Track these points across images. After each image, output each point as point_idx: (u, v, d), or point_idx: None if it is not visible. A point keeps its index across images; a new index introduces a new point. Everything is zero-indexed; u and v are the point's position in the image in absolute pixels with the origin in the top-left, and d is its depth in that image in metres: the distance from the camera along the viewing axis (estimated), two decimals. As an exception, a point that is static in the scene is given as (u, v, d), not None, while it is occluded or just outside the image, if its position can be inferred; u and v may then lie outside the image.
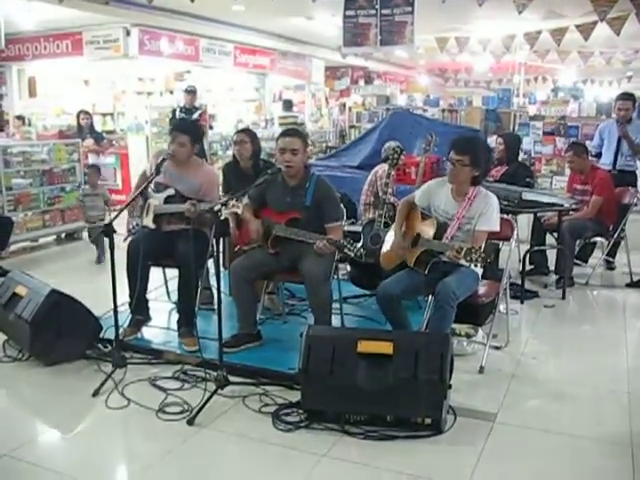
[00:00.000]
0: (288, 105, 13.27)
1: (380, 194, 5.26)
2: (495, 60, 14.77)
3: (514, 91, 13.70)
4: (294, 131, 4.48)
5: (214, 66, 13.84)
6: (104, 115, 13.32)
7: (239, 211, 3.98)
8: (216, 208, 3.65)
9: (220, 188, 5.05)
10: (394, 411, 3.28)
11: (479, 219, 3.94)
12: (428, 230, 4.02)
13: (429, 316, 4.16)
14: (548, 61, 15.44)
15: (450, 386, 3.29)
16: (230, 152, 6.28)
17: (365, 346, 3.29)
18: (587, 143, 7.38)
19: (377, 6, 6.99)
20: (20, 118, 11.39)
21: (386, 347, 3.25)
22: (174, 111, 9.76)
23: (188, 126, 4.91)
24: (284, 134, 4.36)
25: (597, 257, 6.51)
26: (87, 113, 9.72)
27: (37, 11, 9.57)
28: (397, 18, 6.93)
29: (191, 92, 9.80)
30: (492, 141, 7.91)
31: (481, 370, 4.06)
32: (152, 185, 4.50)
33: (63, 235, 8.26)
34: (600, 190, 6.03)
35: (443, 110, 10.69)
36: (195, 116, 9.52)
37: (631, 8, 7.52)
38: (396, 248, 4.18)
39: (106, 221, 3.79)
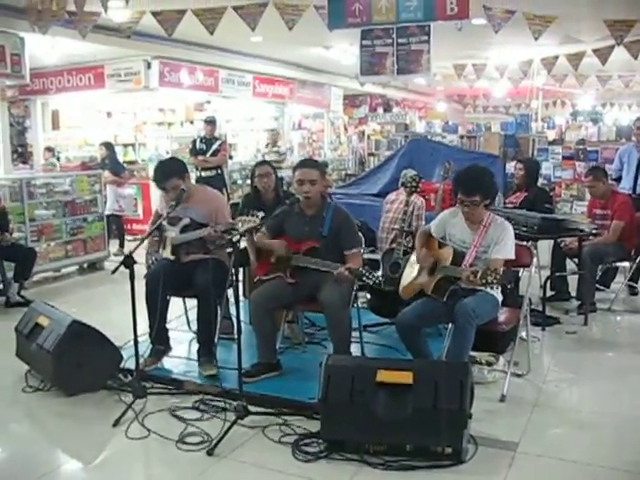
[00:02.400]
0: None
1: (399, 224, 5.26)
2: (513, 85, 14.77)
3: (532, 116, 13.69)
4: (312, 162, 4.54)
5: (234, 96, 13.98)
6: (125, 146, 13.47)
7: (256, 224, 4.02)
8: (235, 238, 3.68)
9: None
10: (414, 441, 3.25)
11: (494, 247, 3.95)
12: (446, 258, 4.02)
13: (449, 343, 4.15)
14: (566, 85, 15.41)
15: (470, 415, 3.27)
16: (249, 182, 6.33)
17: (384, 376, 3.28)
18: (607, 167, 7.37)
19: (393, 35, 7.04)
20: (50, 150, 11.57)
21: (405, 377, 3.24)
22: (194, 141, 9.85)
23: (170, 168, 4.67)
24: (301, 165, 4.42)
25: (619, 282, 6.44)
26: (104, 145, 9.85)
27: (60, 46, 9.77)
28: (413, 47, 6.97)
29: (211, 122, 9.89)
30: (511, 167, 7.92)
31: (502, 398, 4.02)
32: (165, 221, 4.54)
33: (85, 265, 8.35)
34: (621, 214, 5.99)
35: (462, 136, 10.71)
36: (215, 146, 9.60)
37: (648, 32, 7.52)
38: (414, 278, 4.19)
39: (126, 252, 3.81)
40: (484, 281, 3.61)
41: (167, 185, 4.53)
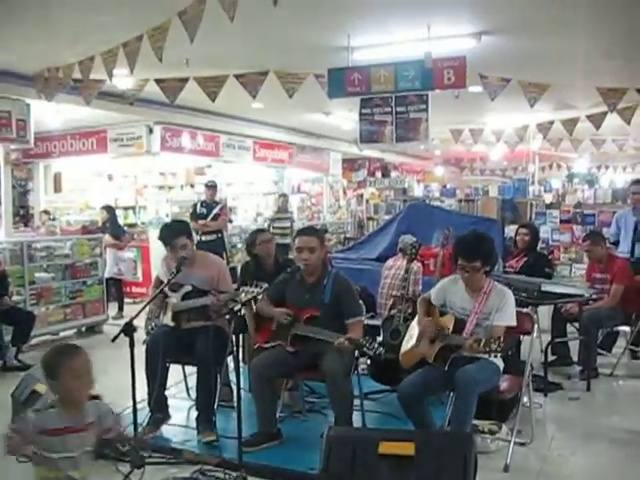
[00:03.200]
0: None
1: (400, 289, 5.27)
2: (509, 149, 15.00)
3: (529, 179, 13.85)
4: (311, 230, 4.58)
5: (234, 161, 14.17)
6: (126, 209, 13.60)
7: (256, 295, 4.03)
8: (236, 308, 3.69)
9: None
10: (418, 514, 3.18)
11: (495, 314, 3.95)
12: (447, 326, 4.01)
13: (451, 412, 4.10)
14: (562, 149, 15.64)
15: (474, 488, 3.21)
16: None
17: (386, 447, 3.22)
18: (604, 230, 7.44)
19: (392, 104, 7.21)
20: (47, 213, 11.66)
21: (408, 448, 3.19)
22: (195, 205, 9.94)
23: (180, 227, 4.82)
24: (301, 233, 4.47)
25: (621, 346, 6.41)
26: (105, 208, 9.93)
27: (65, 112, 9.96)
28: (412, 115, 7.13)
29: (212, 187, 10.00)
30: (509, 231, 7.98)
31: (506, 468, 3.95)
32: (167, 287, 4.54)
33: (84, 329, 8.31)
34: (620, 278, 6.01)
35: (460, 200, 10.82)
36: (216, 211, 9.68)
37: (639, 99, 7.69)
38: (414, 346, 4.17)
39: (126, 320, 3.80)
40: (488, 349, 3.60)
41: (177, 242, 4.55)
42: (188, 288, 4.55)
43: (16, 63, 8.08)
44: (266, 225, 11.74)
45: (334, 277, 4.39)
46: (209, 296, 4.43)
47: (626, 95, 7.47)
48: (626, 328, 6.22)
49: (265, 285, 4.24)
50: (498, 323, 3.92)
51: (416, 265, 5.48)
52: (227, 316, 4.22)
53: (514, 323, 4.00)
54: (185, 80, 7.42)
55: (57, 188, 13.36)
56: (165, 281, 4.47)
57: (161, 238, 4.71)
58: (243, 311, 4.17)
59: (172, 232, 4.68)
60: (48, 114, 10.05)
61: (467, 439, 3.32)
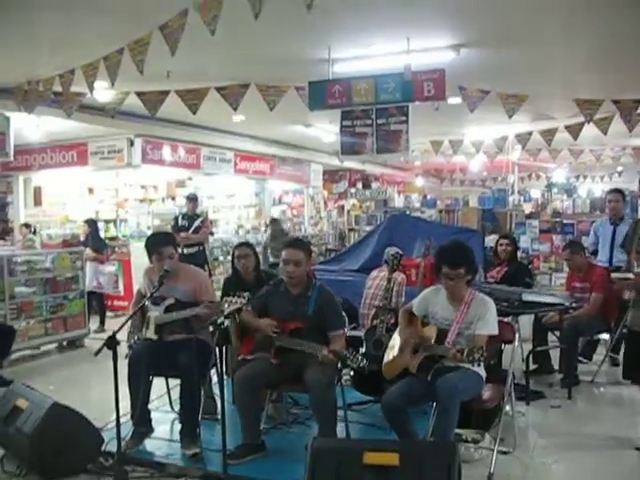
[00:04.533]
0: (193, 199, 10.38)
1: (381, 300, 5.30)
2: (489, 160, 15.15)
3: (509, 190, 13.99)
4: (298, 242, 4.59)
5: (215, 173, 14.17)
6: (107, 222, 13.54)
7: (242, 305, 4.03)
8: (219, 320, 3.69)
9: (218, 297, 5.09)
10: (402, 524, 3.19)
11: (477, 323, 3.98)
12: (429, 337, 4.04)
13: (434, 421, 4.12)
14: (540, 159, 15.83)
15: (458, 497, 3.23)
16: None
17: (371, 457, 3.23)
18: (583, 239, 7.53)
19: (373, 116, 7.26)
20: (28, 226, 11.38)
21: (392, 458, 3.21)
22: (176, 218, 9.91)
23: (167, 237, 4.88)
24: (288, 245, 4.48)
25: (601, 354, 6.48)
26: (87, 222, 9.88)
27: (45, 125, 9.92)
28: (392, 127, 7.18)
29: (193, 199, 9.99)
30: (489, 241, 8.04)
31: (490, 477, 3.98)
32: (149, 301, 4.52)
33: (65, 343, 8.24)
34: (599, 287, 6.08)
35: (440, 211, 10.89)
36: (197, 223, 9.65)
37: (615, 110, 7.81)
38: (397, 357, 4.19)
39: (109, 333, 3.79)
40: (471, 358, 3.63)
41: (165, 251, 4.56)
42: (171, 301, 4.54)
43: (-5, 76, 8.05)
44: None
45: (319, 289, 4.41)
46: (200, 306, 4.42)
47: (602, 106, 7.60)
48: (606, 336, 6.29)
49: (247, 294, 4.25)
50: (480, 332, 3.96)
51: (400, 276, 5.51)
52: (210, 328, 4.23)
53: (496, 332, 4.03)
54: (166, 93, 7.43)
55: (37, 201, 13.28)
56: (147, 294, 4.47)
57: (148, 247, 4.71)
58: (226, 323, 4.16)
59: (160, 241, 4.71)
60: (28, 127, 10.00)
61: (450, 448, 3.34)
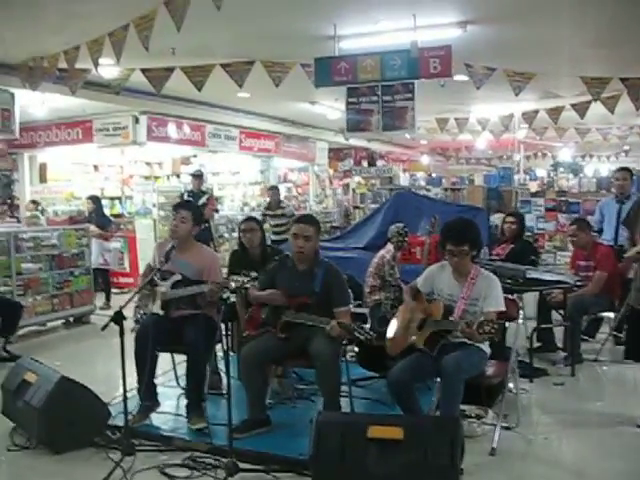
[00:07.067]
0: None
1: (386, 277, 5.33)
2: (495, 138, 15.08)
3: (515, 168, 13.93)
4: (309, 218, 4.60)
5: (220, 150, 14.14)
6: (112, 199, 13.57)
7: (248, 285, 4.05)
8: (225, 296, 3.71)
9: (225, 272, 5.12)
10: (406, 497, 3.24)
11: (485, 301, 3.99)
12: (435, 313, 4.05)
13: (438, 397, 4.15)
14: (547, 138, 15.74)
15: (462, 471, 3.26)
16: (236, 235, 6.42)
17: (375, 431, 3.27)
18: (589, 218, 7.52)
19: (379, 93, 7.23)
20: (35, 203, 11.42)
21: (396, 432, 3.24)
22: (182, 195, 9.93)
23: (191, 205, 5.02)
24: (298, 220, 4.50)
25: (605, 332, 6.49)
26: (90, 198, 9.88)
27: (50, 101, 9.91)
28: (398, 104, 7.16)
29: (198, 176, 9.99)
30: (494, 219, 8.04)
31: (492, 452, 4.01)
32: (158, 274, 4.55)
33: (71, 319, 8.30)
34: (603, 265, 6.08)
35: (446, 189, 10.87)
36: (202, 200, 9.66)
37: (623, 88, 7.76)
38: (402, 333, 4.21)
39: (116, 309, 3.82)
40: (481, 331, 3.63)
41: (182, 212, 4.69)
42: (177, 277, 4.56)
43: (0, 52, 8.01)
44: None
45: (326, 266, 4.42)
46: (206, 284, 4.44)
47: (610, 84, 7.55)
48: (610, 314, 6.31)
49: (254, 274, 4.26)
50: (489, 309, 3.96)
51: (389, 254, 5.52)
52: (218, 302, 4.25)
53: (504, 308, 4.04)
54: (171, 69, 7.41)
55: (42, 179, 13.28)
56: (156, 268, 4.49)
57: (179, 204, 4.89)
58: (233, 299, 4.18)
59: (184, 204, 5.00)
60: (33, 104, 9.98)
61: (454, 423, 3.38)
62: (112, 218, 10.79)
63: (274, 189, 11.15)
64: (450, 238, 4.06)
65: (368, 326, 4.98)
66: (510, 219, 6.79)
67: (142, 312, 4.67)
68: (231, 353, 5.16)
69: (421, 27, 6.73)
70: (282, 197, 11.84)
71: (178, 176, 14.69)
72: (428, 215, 6.23)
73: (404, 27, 6.82)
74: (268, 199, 11.09)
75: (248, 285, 4.09)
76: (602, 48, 7.93)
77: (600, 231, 7.15)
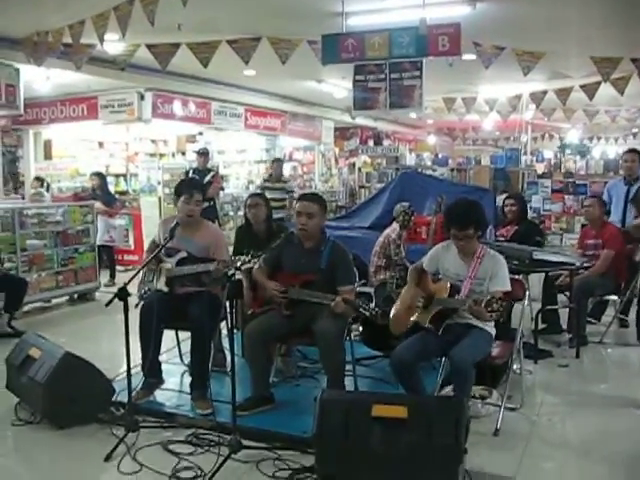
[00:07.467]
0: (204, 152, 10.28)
1: (392, 256, 5.30)
2: (502, 119, 14.97)
3: (522, 149, 13.85)
4: (313, 196, 4.56)
5: (226, 128, 14.09)
6: (117, 176, 13.55)
7: (252, 265, 4.03)
8: (230, 272, 3.69)
9: (231, 250, 5.10)
10: (410, 476, 3.23)
11: (491, 281, 3.96)
12: (441, 292, 4.03)
13: (443, 380, 4.15)
14: (554, 119, 15.65)
15: (466, 450, 3.25)
16: (241, 213, 6.40)
17: (379, 410, 3.26)
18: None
19: (386, 70, 7.17)
20: (39, 179, 11.21)
21: (400, 411, 3.23)
22: (187, 172, 9.88)
23: (199, 184, 4.99)
24: (302, 198, 4.48)
25: (610, 315, 6.48)
26: (95, 175, 9.84)
27: (55, 77, 9.85)
28: (406, 82, 7.09)
29: (203, 154, 9.92)
30: (501, 200, 7.99)
31: (496, 432, 4.01)
32: (163, 250, 4.53)
33: (76, 296, 8.31)
34: (611, 244, 6.05)
35: (452, 169, 10.81)
36: (208, 178, 9.61)
37: (633, 69, 7.68)
38: (406, 311, 4.19)
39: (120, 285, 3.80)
40: (490, 309, 3.60)
41: (197, 195, 4.62)
42: (183, 254, 4.54)
43: (4, 27, 7.95)
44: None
45: (332, 244, 4.40)
46: (213, 262, 4.41)
47: (620, 65, 7.47)
48: (615, 297, 6.28)
49: (260, 254, 4.24)
50: (496, 289, 3.91)
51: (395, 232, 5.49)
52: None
53: (509, 288, 4.00)
54: (177, 45, 7.35)
55: (47, 155, 13.25)
56: (161, 245, 4.47)
57: (185, 188, 4.71)
58: (238, 276, 4.16)
59: (195, 185, 4.91)
60: (38, 80, 9.93)
61: (459, 403, 3.36)
62: (117, 195, 10.76)
63: (278, 161, 10.69)
64: (453, 222, 4.02)
65: (373, 305, 4.97)
66: (509, 201, 6.74)
67: (147, 288, 4.66)
68: (235, 330, 5.19)
69: (430, 4, 6.65)
70: (287, 175, 11.66)
71: (183, 153, 14.65)
72: (434, 195, 6.18)
73: (412, 4, 6.74)
74: (271, 172, 10.67)
75: (252, 264, 4.06)
76: (612, 28, 7.83)
77: (608, 213, 7.10)
